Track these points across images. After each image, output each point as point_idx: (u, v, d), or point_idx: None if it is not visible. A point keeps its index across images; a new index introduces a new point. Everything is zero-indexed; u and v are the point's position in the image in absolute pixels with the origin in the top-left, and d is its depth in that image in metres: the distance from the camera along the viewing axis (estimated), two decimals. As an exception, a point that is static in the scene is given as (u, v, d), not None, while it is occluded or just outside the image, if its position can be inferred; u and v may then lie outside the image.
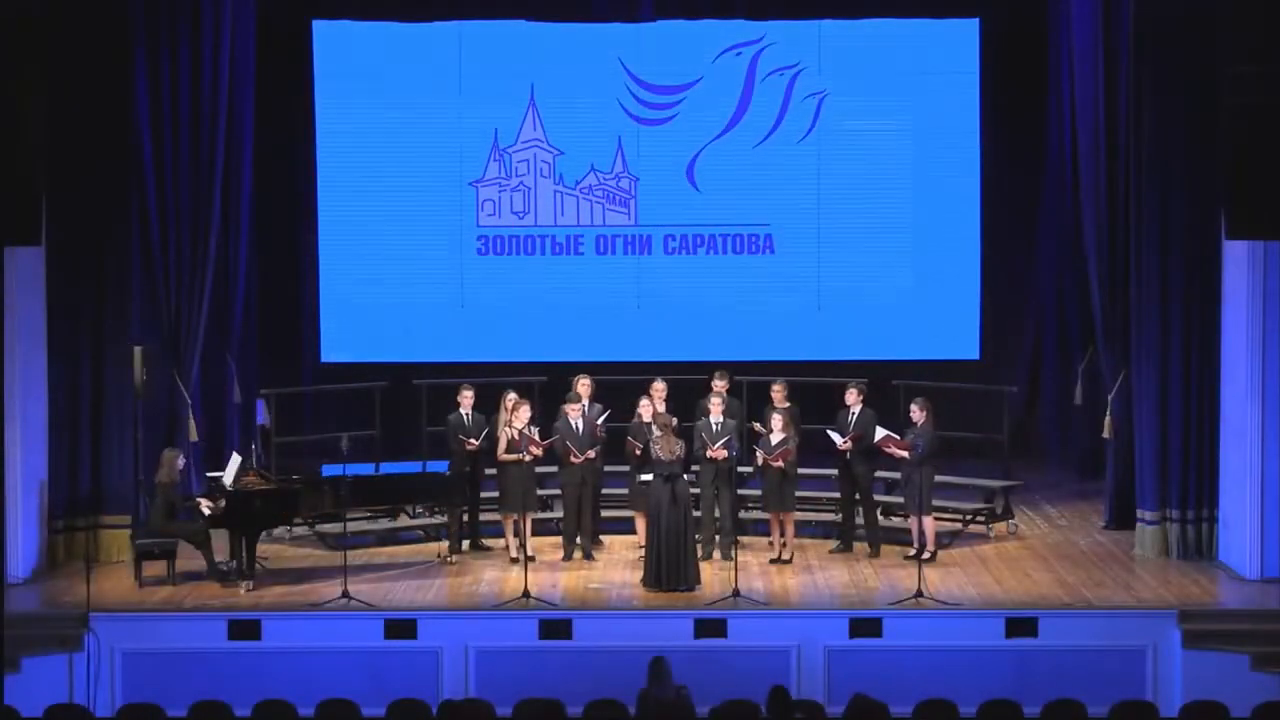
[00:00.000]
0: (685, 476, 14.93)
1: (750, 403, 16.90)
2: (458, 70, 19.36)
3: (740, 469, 16.15)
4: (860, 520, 15.94)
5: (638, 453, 15.41)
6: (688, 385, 16.70)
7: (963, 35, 19.31)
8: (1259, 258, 14.68)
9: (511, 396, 15.70)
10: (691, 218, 19.49)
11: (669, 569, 14.53)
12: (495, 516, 15.92)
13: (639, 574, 14.95)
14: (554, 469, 16.03)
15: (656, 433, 14.90)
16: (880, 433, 15.46)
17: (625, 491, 16.08)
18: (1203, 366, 15.46)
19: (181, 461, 15.36)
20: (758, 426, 16.08)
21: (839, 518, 16.15)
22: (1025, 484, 17.57)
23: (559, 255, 19.48)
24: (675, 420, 15.11)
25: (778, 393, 15.92)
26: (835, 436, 15.66)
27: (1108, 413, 16.55)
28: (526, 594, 14.14)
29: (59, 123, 14.44)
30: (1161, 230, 15.34)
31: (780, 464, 15.25)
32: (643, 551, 15.44)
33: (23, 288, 14.87)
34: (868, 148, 19.33)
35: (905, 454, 15.30)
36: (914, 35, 19.31)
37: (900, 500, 16.22)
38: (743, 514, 16.38)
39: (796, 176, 19.37)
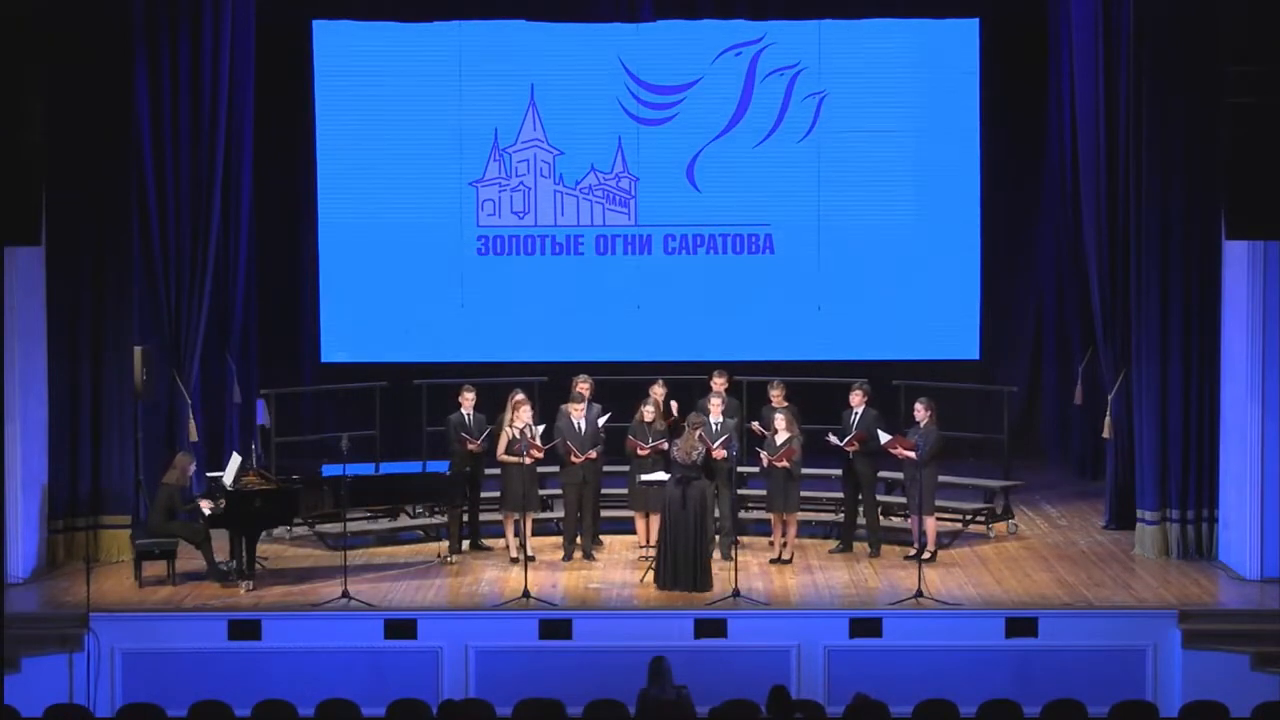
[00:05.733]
0: (701, 478, 14.85)
1: (750, 403, 16.89)
2: (458, 70, 19.36)
3: (740, 469, 16.15)
4: (861, 520, 15.93)
5: (642, 452, 15.41)
6: (688, 385, 16.71)
7: (963, 35, 19.32)
8: (1259, 258, 14.68)
9: (519, 396, 15.70)
10: (691, 218, 19.50)
11: (674, 571, 14.51)
12: (495, 516, 15.92)
13: (639, 574, 14.96)
14: (555, 469, 16.03)
15: (686, 431, 14.84)
16: (885, 437, 15.45)
17: (625, 491, 16.08)
18: (1203, 366, 15.45)
19: (193, 468, 15.40)
20: (756, 427, 16.08)
21: (841, 517, 16.14)
22: (1025, 484, 17.56)
23: (559, 255, 19.49)
24: (705, 421, 15.10)
25: (776, 394, 15.93)
26: (835, 440, 15.65)
27: (1108, 413, 16.55)
28: (526, 594, 14.14)
29: (59, 123, 14.42)
30: (1161, 230, 15.34)
31: (784, 463, 15.24)
32: (642, 552, 15.47)
33: (23, 288, 14.89)
34: (868, 148, 19.34)
35: (912, 454, 15.29)
36: (914, 35, 19.33)
37: (901, 500, 16.24)
38: (742, 514, 16.38)
39: (796, 176, 19.38)
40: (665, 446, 15.25)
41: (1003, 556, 15.69)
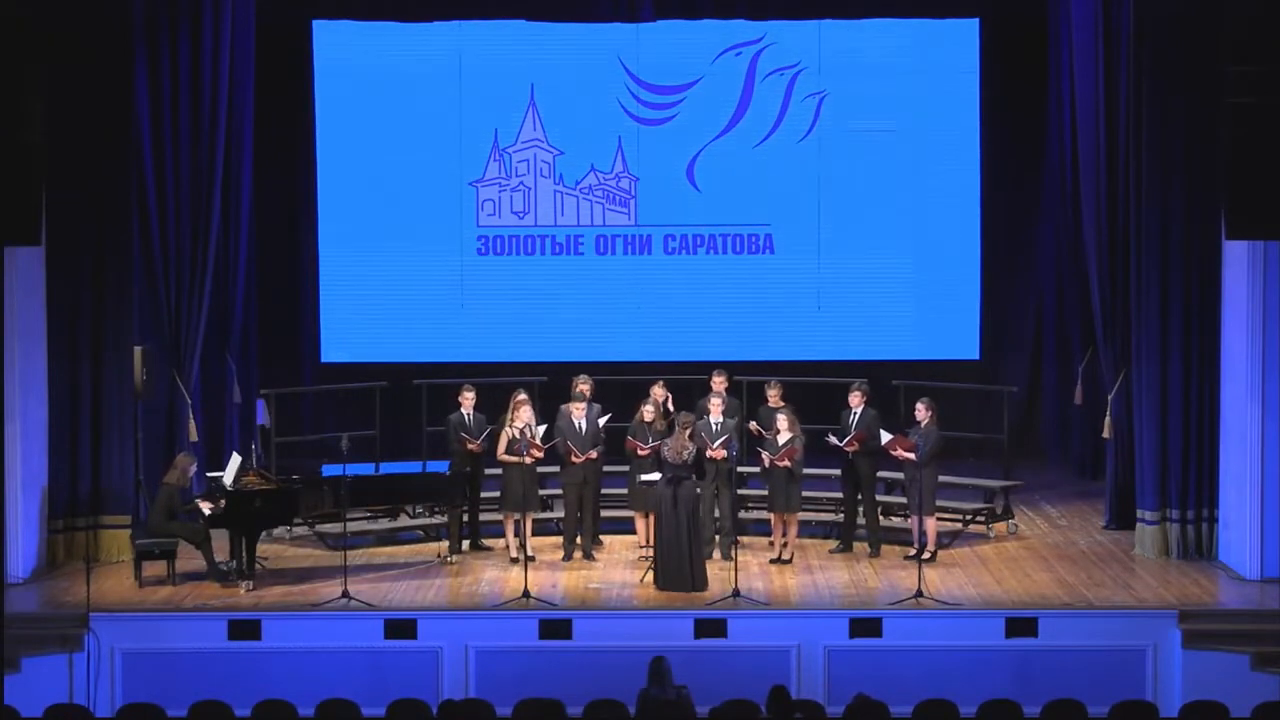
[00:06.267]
0: (691, 478, 14.86)
1: (750, 403, 16.89)
2: (458, 70, 19.36)
3: (740, 469, 16.15)
4: (861, 520, 15.93)
5: (642, 452, 15.41)
6: (688, 385, 16.71)
7: (963, 35, 19.32)
8: (1259, 258, 14.68)
9: (521, 395, 15.71)
10: (691, 218, 19.50)
11: (667, 571, 14.51)
12: (495, 516, 15.92)
13: (639, 574, 14.96)
14: (555, 469, 16.03)
15: (677, 430, 14.84)
16: (885, 436, 15.45)
17: (625, 491, 16.08)
18: (1203, 366, 15.45)
19: (194, 469, 15.39)
20: (754, 426, 16.08)
21: (841, 517, 16.14)
22: (1025, 484, 17.55)
23: (559, 255, 19.49)
24: (694, 420, 15.10)
25: (774, 394, 15.93)
26: (835, 441, 15.65)
27: (1108, 413, 16.55)
28: (526, 594, 14.13)
29: (59, 123, 14.42)
30: (1161, 230, 15.34)
31: (787, 463, 15.24)
32: (642, 552, 15.47)
33: (23, 288, 14.88)
34: (868, 148, 19.35)
35: (912, 456, 15.28)
36: (914, 35, 19.33)
37: (901, 500, 16.23)
38: (742, 514, 16.37)
39: (796, 176, 19.39)
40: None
41: (1003, 556, 15.69)
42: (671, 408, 15.95)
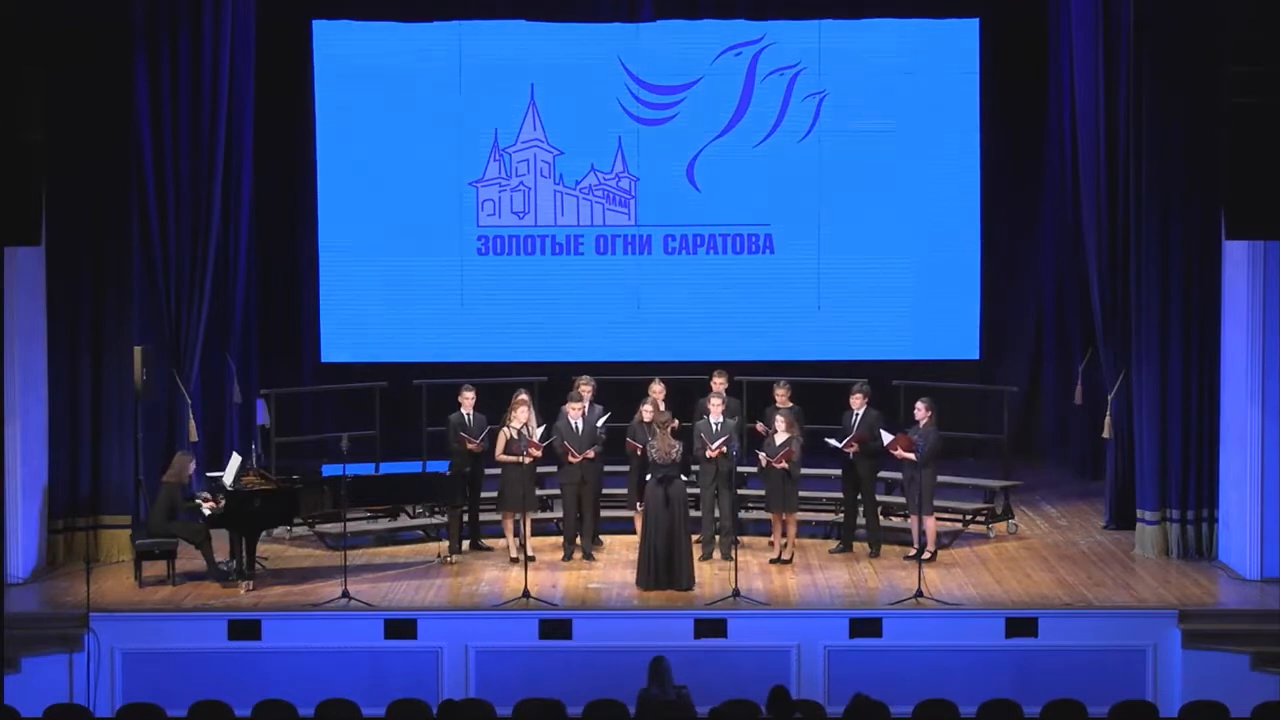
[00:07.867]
0: (683, 477, 14.90)
1: (750, 403, 16.89)
2: (458, 70, 19.37)
3: (741, 469, 16.15)
4: (861, 520, 15.93)
5: (639, 453, 15.41)
6: (688, 385, 16.71)
7: (963, 35, 19.33)
8: (1259, 258, 14.68)
9: (521, 395, 15.71)
10: (691, 218, 19.51)
11: (660, 570, 14.50)
12: (495, 516, 15.92)
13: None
14: (554, 469, 16.03)
15: (656, 431, 14.87)
16: (887, 437, 15.45)
17: (625, 491, 16.09)
18: (1203, 366, 15.45)
19: (192, 466, 15.39)
20: (760, 427, 16.08)
21: (841, 517, 16.14)
22: (1025, 484, 17.56)
23: (559, 255, 19.49)
24: (676, 422, 15.10)
25: (781, 394, 15.93)
26: (834, 443, 15.64)
27: (1108, 413, 16.55)
28: (526, 594, 14.14)
29: (59, 123, 14.42)
30: (1161, 230, 15.34)
31: (784, 465, 15.24)
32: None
33: (23, 288, 14.88)
34: (868, 148, 19.35)
35: (911, 456, 15.28)
36: (914, 35, 19.34)
37: (901, 500, 16.23)
38: (743, 514, 16.37)
39: (796, 176, 19.39)
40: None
41: (1003, 556, 15.69)
42: (662, 405, 15.90)
